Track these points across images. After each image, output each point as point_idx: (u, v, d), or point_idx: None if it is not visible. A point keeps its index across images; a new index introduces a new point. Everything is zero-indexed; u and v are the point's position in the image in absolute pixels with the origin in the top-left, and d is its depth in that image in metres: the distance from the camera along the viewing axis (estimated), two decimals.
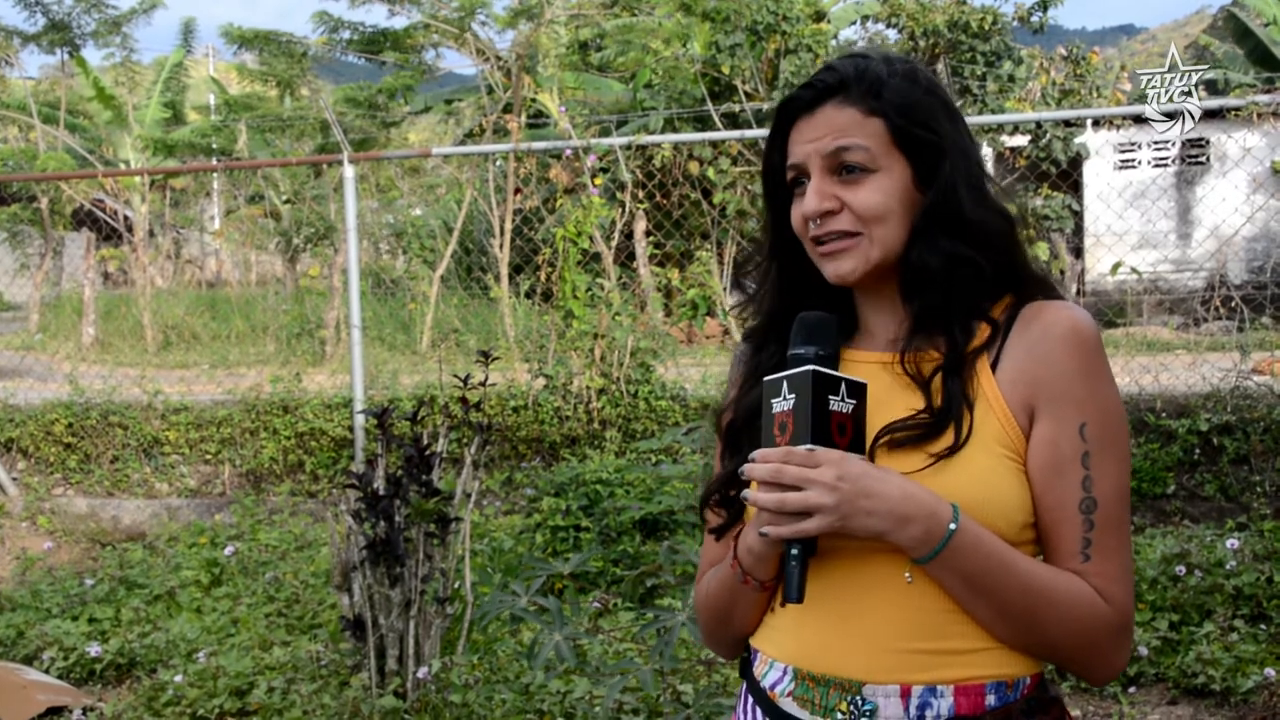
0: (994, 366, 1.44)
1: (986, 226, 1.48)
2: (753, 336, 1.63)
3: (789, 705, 1.46)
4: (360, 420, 7.49)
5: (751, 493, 1.37)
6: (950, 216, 1.46)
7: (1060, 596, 1.38)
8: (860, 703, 1.40)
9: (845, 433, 1.36)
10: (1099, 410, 1.41)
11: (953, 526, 1.34)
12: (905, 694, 1.39)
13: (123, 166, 17.83)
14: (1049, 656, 1.43)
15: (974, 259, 1.46)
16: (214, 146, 19.50)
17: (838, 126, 1.47)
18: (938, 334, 1.47)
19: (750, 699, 1.54)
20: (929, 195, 1.47)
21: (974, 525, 1.36)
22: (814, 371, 1.35)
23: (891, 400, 1.44)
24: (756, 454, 1.37)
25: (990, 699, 1.40)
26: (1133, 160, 14.45)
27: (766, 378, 1.42)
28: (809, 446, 1.33)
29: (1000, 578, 1.36)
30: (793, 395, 1.36)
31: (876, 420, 1.41)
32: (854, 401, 1.38)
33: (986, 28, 14.08)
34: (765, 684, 1.50)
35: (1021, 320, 1.45)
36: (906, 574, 1.39)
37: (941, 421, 1.40)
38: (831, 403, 1.36)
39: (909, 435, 1.41)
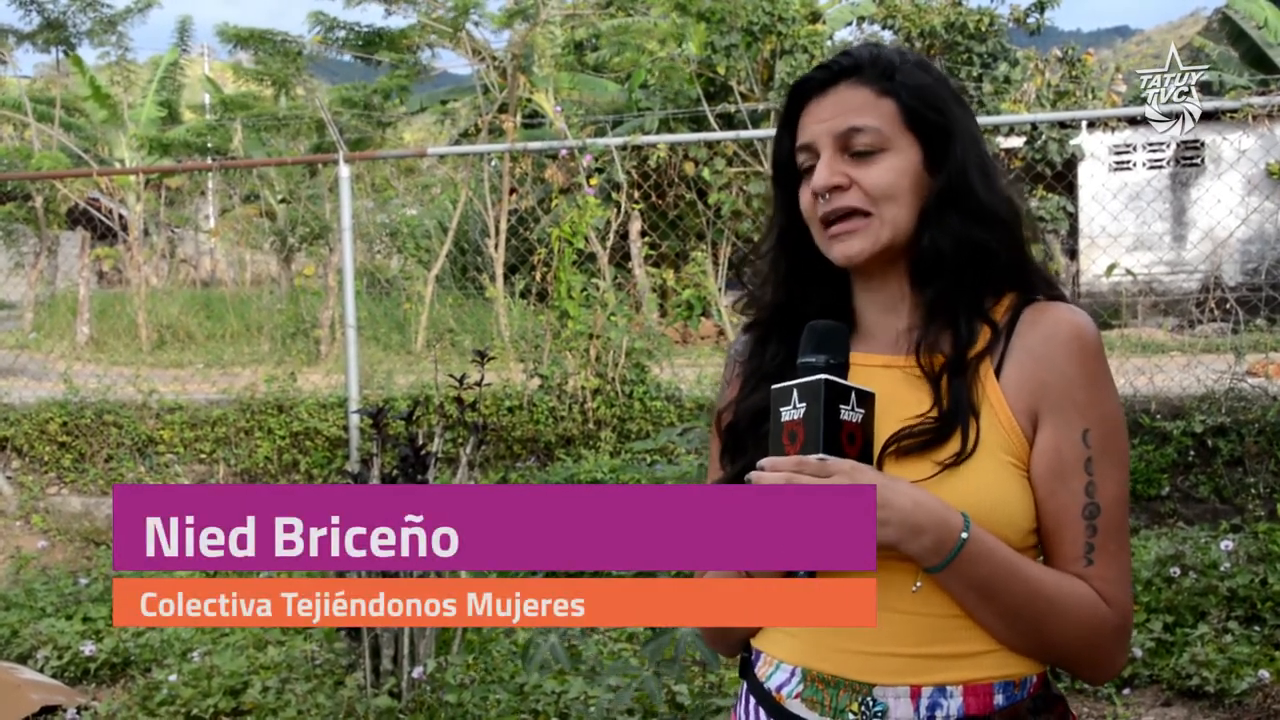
0: (997, 372, 1.44)
1: (997, 211, 1.48)
2: (755, 329, 1.62)
3: (797, 707, 1.46)
4: (355, 420, 7.48)
5: None
6: (961, 199, 1.47)
7: (1065, 601, 1.39)
8: (871, 704, 1.40)
9: (855, 442, 1.37)
10: (1101, 416, 1.42)
11: (964, 536, 1.35)
12: (915, 695, 1.40)
13: (118, 165, 17.79)
14: (1052, 658, 1.44)
15: (987, 242, 1.47)
16: (209, 146, 19.47)
17: (850, 106, 1.48)
18: (946, 329, 1.47)
19: (752, 700, 1.53)
20: (939, 178, 1.48)
21: (983, 534, 1.36)
22: (826, 381, 1.35)
23: (896, 405, 1.44)
24: (766, 462, 1.37)
25: (998, 698, 1.41)
26: (1128, 162, 14.46)
27: (775, 385, 1.41)
28: (820, 456, 1.33)
29: (1008, 585, 1.37)
30: (803, 404, 1.36)
31: (883, 426, 1.41)
32: (863, 411, 1.38)
33: (983, 29, 14.11)
34: (771, 685, 1.50)
35: (1024, 322, 1.46)
36: (915, 584, 1.39)
37: (948, 427, 1.41)
38: (842, 412, 1.36)
39: (916, 443, 1.41)
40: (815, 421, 1.35)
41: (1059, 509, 1.41)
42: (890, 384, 1.46)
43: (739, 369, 1.62)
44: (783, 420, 1.38)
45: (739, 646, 1.60)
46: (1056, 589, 1.39)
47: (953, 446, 1.40)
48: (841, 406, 1.36)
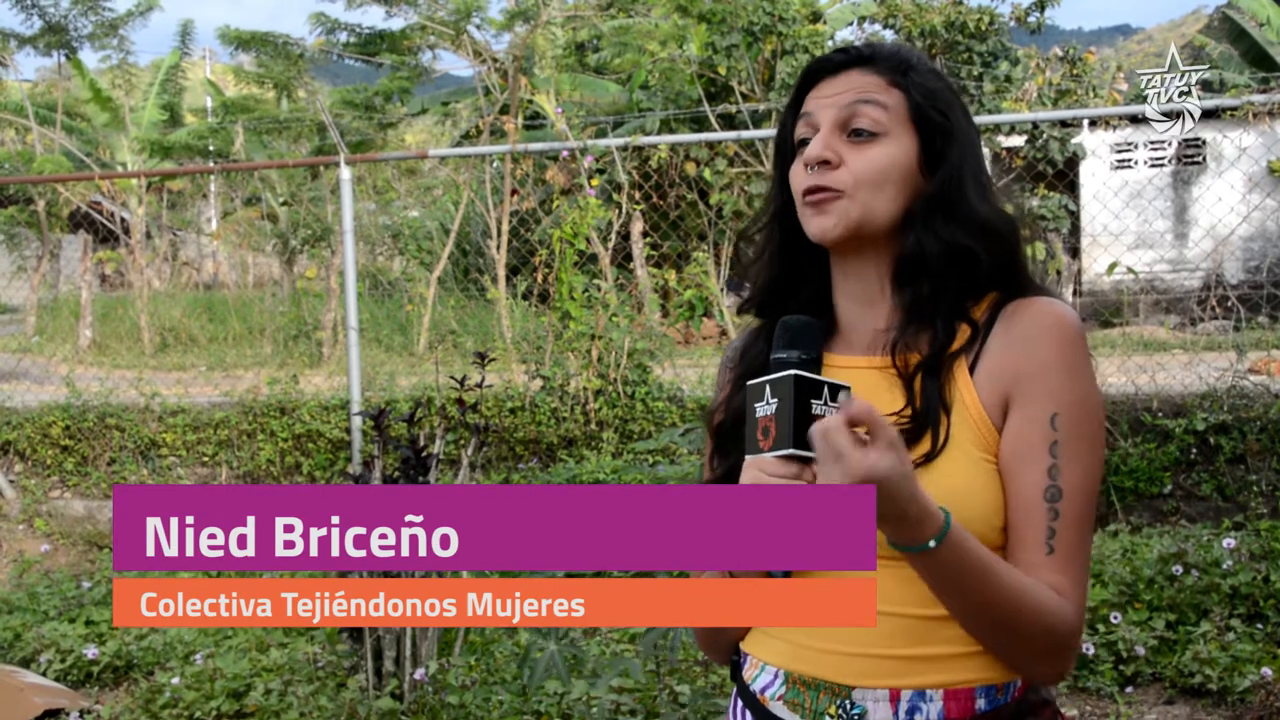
0: (972, 368, 1.43)
1: (988, 221, 1.47)
2: (747, 308, 1.62)
3: (779, 709, 1.46)
4: (357, 422, 7.49)
5: None
6: (953, 204, 1.46)
7: (1031, 603, 1.36)
8: (849, 706, 1.39)
9: None
10: (1072, 402, 1.40)
11: (938, 539, 1.31)
12: (894, 698, 1.38)
13: (119, 169, 17.82)
14: (1009, 658, 1.40)
15: (973, 250, 1.45)
16: (211, 148, 19.48)
17: (858, 87, 1.48)
18: (925, 330, 1.46)
19: (740, 702, 1.54)
20: (933, 180, 1.47)
21: (961, 530, 1.34)
22: (796, 376, 1.34)
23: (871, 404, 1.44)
24: (752, 461, 1.36)
25: (980, 703, 1.39)
26: (1129, 160, 14.45)
27: (750, 382, 1.41)
28: (791, 452, 1.33)
29: (978, 582, 1.34)
30: (775, 400, 1.35)
31: None
32: (837, 405, 1.36)
33: (983, 28, 14.10)
34: (755, 688, 1.50)
35: (1003, 317, 1.45)
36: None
37: (919, 429, 1.40)
38: (814, 407, 1.34)
39: None
40: (786, 417, 1.33)
41: (1020, 489, 1.38)
42: (865, 385, 1.45)
43: (730, 374, 1.62)
44: (756, 416, 1.37)
45: (730, 650, 1.59)
46: (1023, 592, 1.35)
47: (923, 447, 1.39)
48: (813, 401, 1.34)
